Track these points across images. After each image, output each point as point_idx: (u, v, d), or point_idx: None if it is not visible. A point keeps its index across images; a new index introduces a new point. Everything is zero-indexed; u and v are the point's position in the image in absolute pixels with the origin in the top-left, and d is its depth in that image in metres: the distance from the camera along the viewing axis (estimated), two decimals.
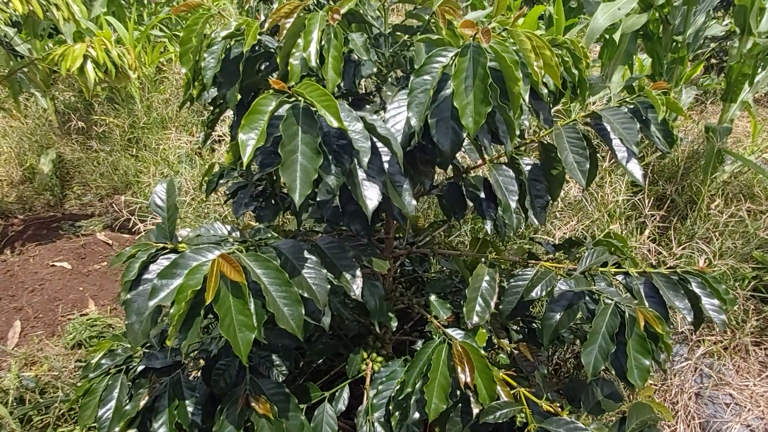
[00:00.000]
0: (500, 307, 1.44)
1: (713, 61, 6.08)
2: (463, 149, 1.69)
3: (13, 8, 2.46)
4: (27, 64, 2.88)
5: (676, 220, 2.92)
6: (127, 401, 1.18)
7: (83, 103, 4.35)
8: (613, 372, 1.12)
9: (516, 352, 1.60)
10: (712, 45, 5.73)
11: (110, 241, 3.23)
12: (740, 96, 3.20)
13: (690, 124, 4.18)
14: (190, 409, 1.16)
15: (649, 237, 2.84)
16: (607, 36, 3.75)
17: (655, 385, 2.28)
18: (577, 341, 1.89)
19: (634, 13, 3.24)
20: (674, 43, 3.48)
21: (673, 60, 3.51)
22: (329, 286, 1.04)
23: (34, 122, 4.20)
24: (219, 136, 3.75)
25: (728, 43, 4.77)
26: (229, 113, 1.70)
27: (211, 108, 1.57)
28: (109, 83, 3.28)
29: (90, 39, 2.69)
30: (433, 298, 1.59)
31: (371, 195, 1.01)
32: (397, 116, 1.11)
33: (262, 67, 1.34)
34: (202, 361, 1.38)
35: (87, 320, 2.60)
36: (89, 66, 2.62)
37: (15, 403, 2.03)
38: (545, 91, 1.16)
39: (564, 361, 2.29)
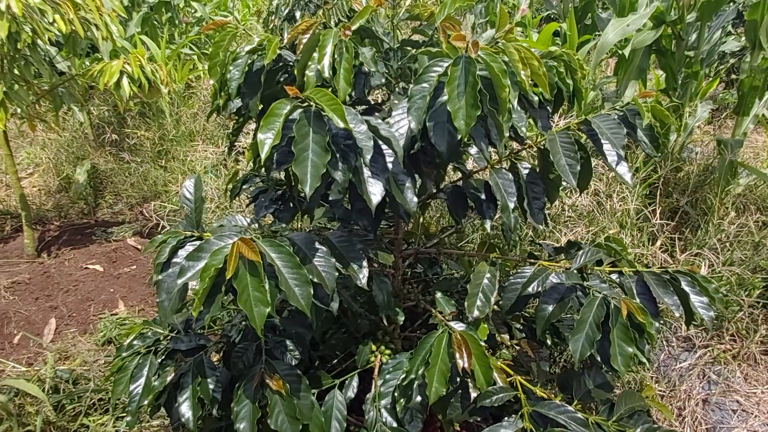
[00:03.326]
0: (500, 303, 1.53)
1: (733, 76, 6.08)
2: (472, 157, 1.80)
3: (57, 28, 2.67)
4: (67, 80, 3.10)
5: (688, 232, 2.96)
6: (156, 378, 1.30)
7: (117, 117, 4.60)
8: (599, 358, 1.19)
9: (518, 347, 1.68)
10: (732, 61, 5.74)
11: (139, 246, 3.41)
12: (752, 110, 3.24)
13: (706, 138, 4.21)
14: (211, 386, 1.28)
15: (660, 248, 2.89)
16: (620, 52, 3.83)
17: (663, 392, 2.31)
18: None
19: (646, 29, 3.32)
20: (687, 59, 3.54)
21: (687, 75, 3.56)
22: (337, 274, 1.15)
23: (71, 135, 4.45)
24: (243, 147, 3.93)
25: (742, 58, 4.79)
26: (252, 126, 1.85)
27: (236, 118, 1.72)
28: (141, 98, 3.49)
29: (126, 56, 2.90)
30: (438, 295, 1.69)
31: (375, 191, 1.12)
32: (401, 121, 1.23)
33: (282, 78, 1.48)
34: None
35: (117, 319, 2.75)
36: (125, 81, 2.82)
37: (50, 392, 2.17)
38: (536, 98, 1.26)
39: (572, 365, 2.34)
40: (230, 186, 1.95)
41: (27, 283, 3.01)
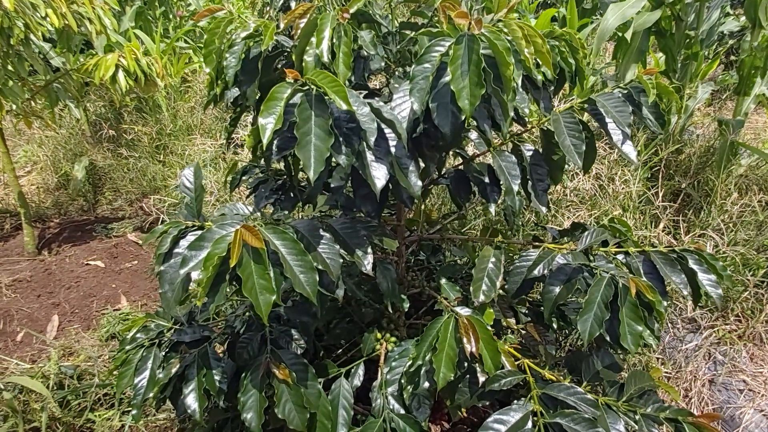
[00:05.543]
0: (506, 287, 1.52)
1: (733, 58, 6.03)
2: (473, 142, 1.78)
3: (50, 23, 2.64)
4: (62, 75, 3.07)
5: (691, 213, 2.95)
6: (160, 371, 1.29)
7: (114, 113, 4.57)
8: (608, 338, 1.18)
9: (524, 332, 1.67)
10: (731, 42, 5.69)
11: (140, 242, 3.39)
12: (753, 90, 3.21)
13: (707, 120, 4.19)
14: (216, 377, 1.27)
15: (664, 230, 2.87)
16: (620, 35, 3.80)
17: (669, 373, 2.31)
18: None
19: (645, 10, 3.29)
20: (687, 40, 3.51)
21: (687, 56, 3.53)
22: (341, 260, 1.14)
23: (68, 132, 4.42)
24: (241, 139, 3.90)
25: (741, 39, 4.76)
26: (250, 118, 1.82)
27: (233, 109, 1.69)
28: (137, 93, 3.46)
29: (121, 50, 2.86)
30: (443, 281, 1.68)
31: (379, 175, 1.10)
32: (403, 104, 1.20)
33: (279, 65, 1.45)
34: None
35: (119, 315, 2.74)
36: (120, 74, 2.79)
37: (55, 388, 2.17)
38: (539, 77, 1.24)
39: (578, 348, 2.33)
40: (229, 178, 1.93)
41: (28, 281, 3.00)
